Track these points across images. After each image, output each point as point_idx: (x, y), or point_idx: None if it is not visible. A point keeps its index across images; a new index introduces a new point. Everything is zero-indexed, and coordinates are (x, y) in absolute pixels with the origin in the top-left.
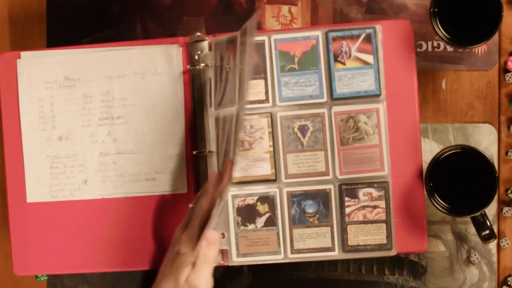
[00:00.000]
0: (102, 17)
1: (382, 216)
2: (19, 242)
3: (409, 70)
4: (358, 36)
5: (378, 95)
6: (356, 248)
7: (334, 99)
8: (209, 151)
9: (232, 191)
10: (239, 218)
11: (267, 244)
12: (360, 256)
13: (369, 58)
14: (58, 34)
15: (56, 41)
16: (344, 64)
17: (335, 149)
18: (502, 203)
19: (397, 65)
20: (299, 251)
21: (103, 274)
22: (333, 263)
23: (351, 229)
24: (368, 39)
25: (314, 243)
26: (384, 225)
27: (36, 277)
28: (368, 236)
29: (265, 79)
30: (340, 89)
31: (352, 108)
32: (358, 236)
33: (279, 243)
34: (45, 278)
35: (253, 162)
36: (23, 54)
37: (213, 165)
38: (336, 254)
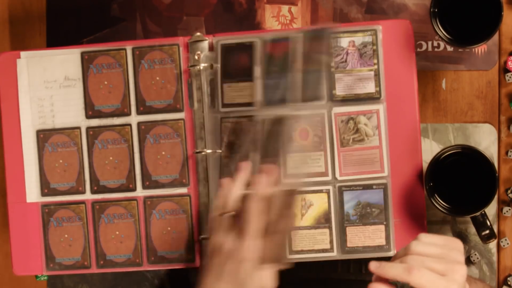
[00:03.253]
0: (102, 17)
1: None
2: (19, 242)
3: (409, 70)
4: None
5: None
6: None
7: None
8: (211, 151)
9: None
10: None
11: None
12: (359, 257)
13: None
14: (58, 34)
15: (56, 41)
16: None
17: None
18: (502, 203)
19: (397, 65)
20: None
21: (103, 274)
22: (333, 263)
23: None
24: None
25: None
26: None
27: (36, 277)
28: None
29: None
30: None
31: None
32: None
33: None
34: (45, 278)
35: None
36: (23, 54)
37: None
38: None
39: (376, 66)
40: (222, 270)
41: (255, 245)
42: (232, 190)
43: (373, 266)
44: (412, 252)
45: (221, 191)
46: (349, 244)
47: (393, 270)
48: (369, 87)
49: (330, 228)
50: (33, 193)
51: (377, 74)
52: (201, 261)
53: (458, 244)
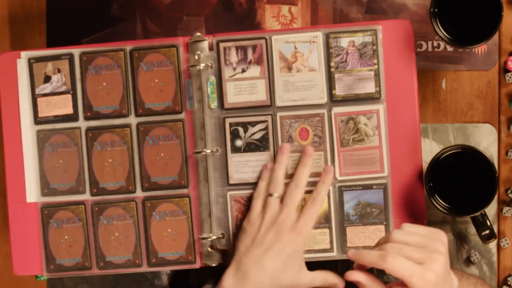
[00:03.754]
0: (102, 17)
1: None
2: (19, 242)
3: (409, 70)
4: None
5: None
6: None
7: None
8: (210, 151)
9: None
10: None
11: None
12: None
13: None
14: (58, 34)
15: (56, 41)
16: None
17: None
18: (502, 203)
19: (397, 65)
20: None
21: (103, 274)
22: (333, 263)
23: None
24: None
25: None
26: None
27: (36, 277)
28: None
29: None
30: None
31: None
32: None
33: None
34: (45, 278)
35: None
36: (23, 54)
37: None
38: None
39: (376, 66)
40: (265, 240)
41: (293, 213)
42: (277, 172)
43: (350, 252)
44: (392, 240)
45: (265, 172)
46: (349, 244)
47: (368, 257)
48: (369, 87)
49: (330, 228)
50: (33, 193)
51: (377, 74)
52: (235, 241)
53: (441, 235)
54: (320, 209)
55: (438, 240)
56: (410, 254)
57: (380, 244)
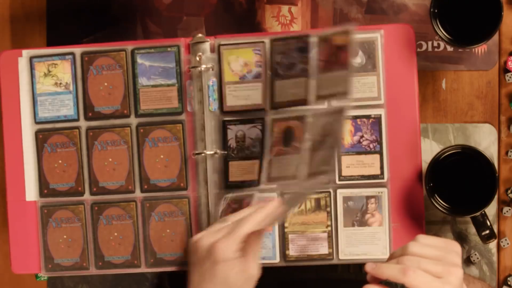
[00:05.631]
0: (102, 17)
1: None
2: (18, 241)
3: (410, 74)
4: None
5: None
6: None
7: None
8: (210, 153)
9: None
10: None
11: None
12: (356, 261)
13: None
14: (58, 34)
15: (56, 41)
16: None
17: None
18: (502, 203)
19: (398, 69)
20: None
21: (103, 274)
22: (333, 266)
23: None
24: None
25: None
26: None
27: (36, 277)
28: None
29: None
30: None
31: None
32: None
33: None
34: (45, 278)
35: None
36: (25, 52)
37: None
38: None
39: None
40: (203, 270)
41: (228, 246)
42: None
43: (369, 267)
44: (408, 253)
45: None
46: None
47: (388, 271)
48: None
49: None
50: (32, 192)
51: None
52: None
53: (456, 246)
54: (246, 232)
55: (453, 252)
56: (429, 268)
57: (395, 256)
